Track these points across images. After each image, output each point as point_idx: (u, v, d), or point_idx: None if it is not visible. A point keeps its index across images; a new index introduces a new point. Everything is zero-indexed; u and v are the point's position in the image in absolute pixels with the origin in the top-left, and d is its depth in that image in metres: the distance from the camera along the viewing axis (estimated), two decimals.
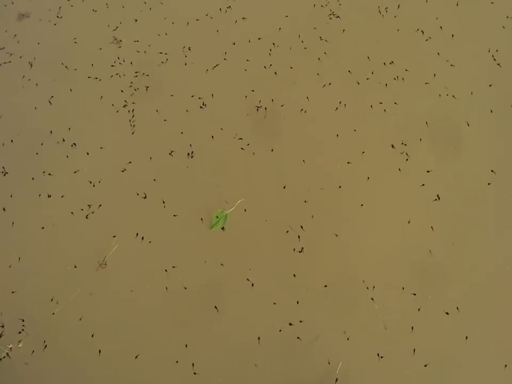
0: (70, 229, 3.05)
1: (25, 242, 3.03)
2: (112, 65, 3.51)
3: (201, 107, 3.35)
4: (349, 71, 3.40)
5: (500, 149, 3.13)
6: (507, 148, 3.14)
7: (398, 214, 3.00)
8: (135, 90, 3.42)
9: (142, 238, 3.01)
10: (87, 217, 3.07)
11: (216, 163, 3.18)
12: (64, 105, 3.40)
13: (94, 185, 3.15)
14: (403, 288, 2.84)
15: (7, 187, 3.17)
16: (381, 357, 2.72)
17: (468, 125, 3.21)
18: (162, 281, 2.91)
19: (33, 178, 3.18)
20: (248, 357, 2.75)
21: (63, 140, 3.28)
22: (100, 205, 3.10)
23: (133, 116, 3.34)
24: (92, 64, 3.52)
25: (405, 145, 3.17)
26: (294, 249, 2.94)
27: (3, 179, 3.19)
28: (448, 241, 2.93)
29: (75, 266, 2.96)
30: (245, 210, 3.04)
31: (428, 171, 3.09)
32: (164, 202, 3.10)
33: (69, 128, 3.32)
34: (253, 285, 2.88)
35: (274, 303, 2.84)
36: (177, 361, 2.75)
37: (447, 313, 2.78)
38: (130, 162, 3.21)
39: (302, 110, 3.30)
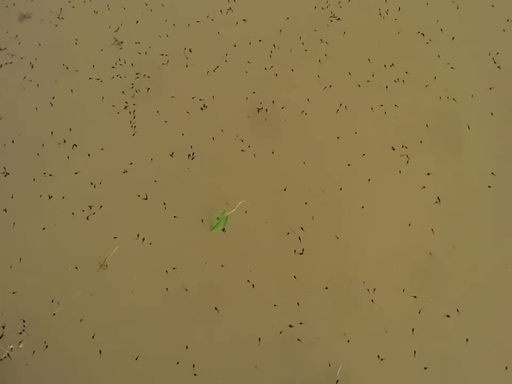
0: (70, 230, 3.05)
1: (26, 243, 3.03)
2: (113, 67, 3.51)
3: (202, 109, 3.36)
4: (350, 73, 3.41)
5: (500, 152, 3.14)
6: (507, 150, 3.15)
7: (399, 216, 3.01)
8: (136, 91, 3.42)
9: (143, 239, 3.01)
10: (87, 218, 3.07)
11: (216, 165, 3.19)
12: (65, 106, 3.40)
13: (95, 186, 3.15)
14: (403, 290, 2.84)
15: (8, 188, 3.17)
16: (382, 359, 2.72)
17: (468, 127, 3.21)
18: (163, 283, 2.91)
19: (34, 179, 3.18)
20: (249, 359, 2.75)
21: (64, 141, 3.29)
22: (101, 206, 3.10)
23: (134, 117, 3.34)
24: (93, 65, 3.52)
25: (406, 147, 3.17)
26: (295, 251, 2.95)
27: (4, 180, 3.19)
28: (449, 243, 2.93)
29: (76, 267, 2.96)
30: (246, 212, 3.05)
31: (428, 173, 3.10)
32: (164, 203, 3.10)
33: (70, 129, 3.32)
34: (253, 286, 2.89)
35: (274, 305, 2.85)
36: (177, 363, 2.76)
37: (448, 316, 2.79)
38: (131, 163, 3.21)
39: (302, 112, 3.31)
